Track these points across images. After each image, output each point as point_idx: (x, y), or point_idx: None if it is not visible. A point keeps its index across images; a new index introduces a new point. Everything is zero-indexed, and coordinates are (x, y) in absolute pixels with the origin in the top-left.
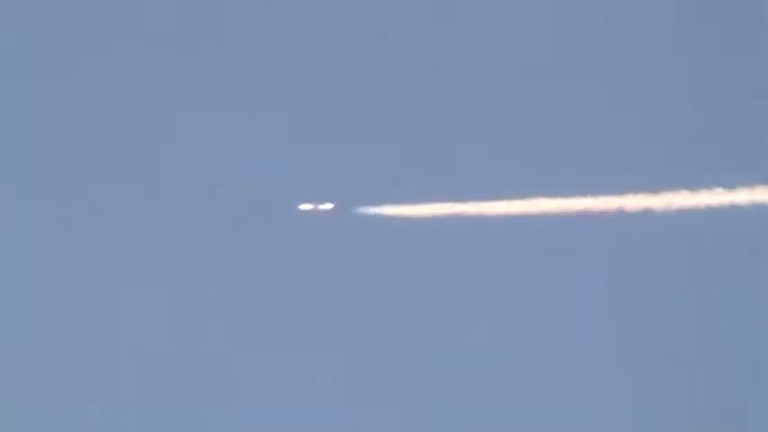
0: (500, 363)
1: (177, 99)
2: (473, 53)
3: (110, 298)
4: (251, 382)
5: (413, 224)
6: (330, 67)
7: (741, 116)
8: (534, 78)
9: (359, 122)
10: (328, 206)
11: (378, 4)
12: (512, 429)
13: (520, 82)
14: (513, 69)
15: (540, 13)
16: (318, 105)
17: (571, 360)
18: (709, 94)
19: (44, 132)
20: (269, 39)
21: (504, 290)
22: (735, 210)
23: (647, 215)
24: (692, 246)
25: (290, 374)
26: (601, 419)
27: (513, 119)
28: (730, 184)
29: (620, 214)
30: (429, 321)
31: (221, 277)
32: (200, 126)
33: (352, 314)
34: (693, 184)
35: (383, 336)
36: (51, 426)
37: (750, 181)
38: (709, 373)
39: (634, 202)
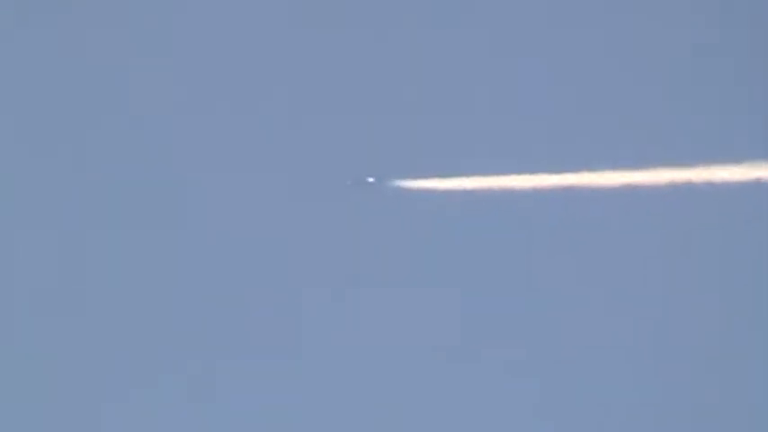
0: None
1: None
2: (506, 38)
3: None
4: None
5: (445, 197)
6: (373, 56)
7: (744, 94)
8: (562, 65)
9: (406, 107)
10: (370, 180)
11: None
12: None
13: (548, 65)
14: (542, 53)
15: (562, 9)
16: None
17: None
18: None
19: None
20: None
21: (532, 259)
22: (738, 186)
23: (657, 190)
24: (695, 222)
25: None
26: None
27: (540, 99)
28: (733, 161)
29: (649, 188)
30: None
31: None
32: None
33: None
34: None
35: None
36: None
37: (752, 157)
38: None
39: (647, 177)
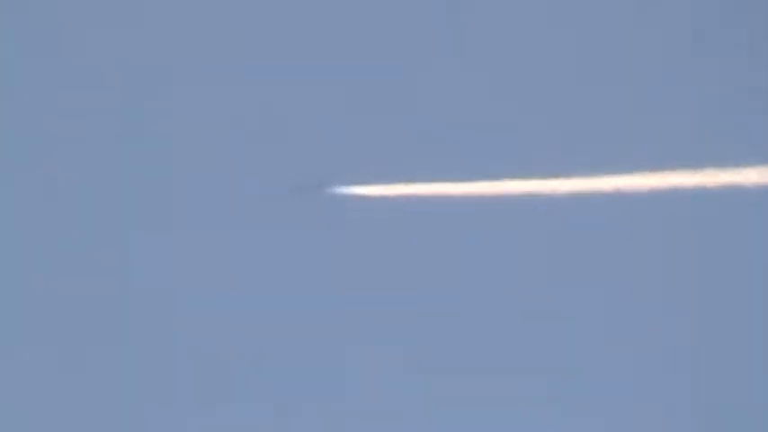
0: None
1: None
2: (482, 41)
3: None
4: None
5: (404, 204)
6: (331, 46)
7: (742, 96)
8: (539, 63)
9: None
10: (321, 187)
11: None
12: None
13: (522, 63)
14: (517, 51)
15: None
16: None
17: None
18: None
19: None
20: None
21: (503, 274)
22: (737, 190)
23: (649, 196)
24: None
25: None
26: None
27: (512, 99)
28: (732, 165)
29: (621, 195)
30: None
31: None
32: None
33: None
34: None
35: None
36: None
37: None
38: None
39: (635, 182)
